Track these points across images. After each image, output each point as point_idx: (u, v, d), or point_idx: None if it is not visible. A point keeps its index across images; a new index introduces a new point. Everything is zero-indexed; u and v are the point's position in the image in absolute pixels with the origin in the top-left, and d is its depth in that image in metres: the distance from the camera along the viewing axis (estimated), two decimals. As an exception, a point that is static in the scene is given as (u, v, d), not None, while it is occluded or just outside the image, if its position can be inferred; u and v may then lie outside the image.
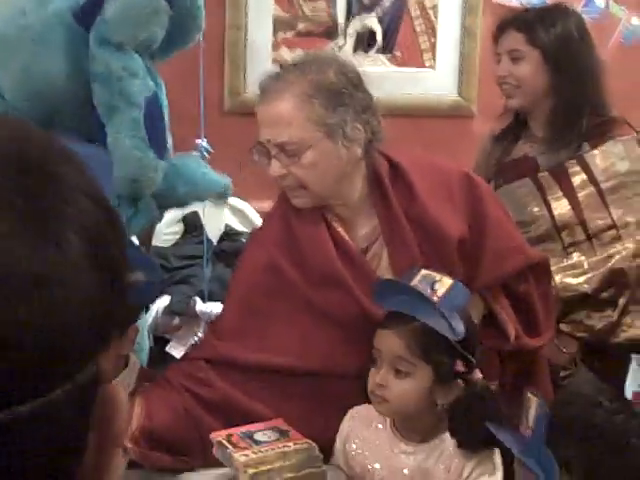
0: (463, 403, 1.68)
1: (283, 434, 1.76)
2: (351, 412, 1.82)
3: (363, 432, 1.79)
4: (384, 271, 1.91)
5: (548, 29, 2.40)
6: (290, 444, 1.72)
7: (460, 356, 1.69)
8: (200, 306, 3.10)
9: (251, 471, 1.65)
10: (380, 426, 1.78)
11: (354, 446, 1.79)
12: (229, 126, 3.41)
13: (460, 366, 1.69)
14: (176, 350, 3.11)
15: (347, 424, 1.81)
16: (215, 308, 3.06)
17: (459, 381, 1.70)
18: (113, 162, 2.13)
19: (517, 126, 2.56)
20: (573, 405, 1.80)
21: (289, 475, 1.67)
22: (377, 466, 1.75)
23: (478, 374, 1.74)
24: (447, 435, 1.71)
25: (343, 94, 1.81)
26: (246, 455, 1.67)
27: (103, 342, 0.62)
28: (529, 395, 1.62)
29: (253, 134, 3.59)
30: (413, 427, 1.75)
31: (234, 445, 1.71)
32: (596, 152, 2.42)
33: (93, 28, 2.05)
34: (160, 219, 2.41)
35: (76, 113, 2.15)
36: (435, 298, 1.67)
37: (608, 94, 2.49)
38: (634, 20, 3.49)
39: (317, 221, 1.90)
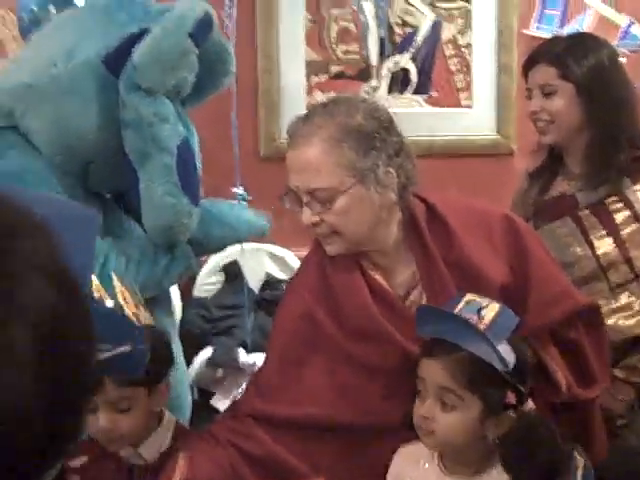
0: (514, 435, 1.60)
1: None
2: (400, 450, 1.75)
3: (413, 471, 1.71)
4: None
5: (580, 61, 2.32)
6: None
7: (510, 386, 1.60)
8: (243, 357, 3.03)
9: None
10: (427, 465, 1.70)
11: None
12: (266, 172, 3.36)
13: (511, 397, 1.61)
14: (221, 402, 3.04)
15: (397, 462, 1.74)
16: (258, 359, 3.00)
17: (510, 412, 1.62)
18: (146, 210, 2.10)
19: (553, 163, 2.47)
20: (629, 463, 1.70)
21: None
22: None
23: (530, 404, 1.66)
24: (499, 469, 1.62)
25: (374, 138, 1.75)
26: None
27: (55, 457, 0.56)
28: (575, 455, 1.55)
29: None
30: (462, 460, 1.67)
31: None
32: (638, 187, 2.33)
33: (122, 74, 2.03)
34: (199, 268, 2.36)
35: (108, 163, 2.13)
36: (482, 326, 1.60)
37: None
38: (673, 50, 3.43)
39: (352, 269, 1.84)
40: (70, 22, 2.18)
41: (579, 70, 2.31)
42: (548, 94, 2.34)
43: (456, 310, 1.62)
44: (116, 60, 2.05)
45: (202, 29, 2.06)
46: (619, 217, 2.32)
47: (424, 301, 1.83)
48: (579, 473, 1.52)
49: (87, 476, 1.84)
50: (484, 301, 1.63)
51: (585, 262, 2.30)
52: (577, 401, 1.88)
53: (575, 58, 2.32)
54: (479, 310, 1.61)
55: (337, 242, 1.80)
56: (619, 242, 2.30)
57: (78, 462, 1.84)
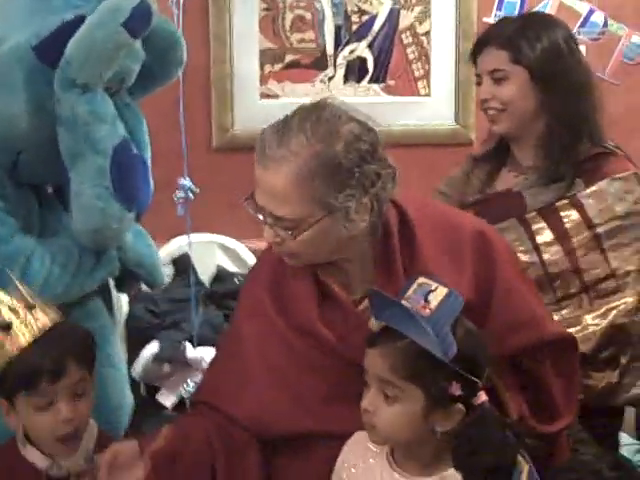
0: (463, 431, 1.53)
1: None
2: (352, 437, 1.68)
3: (358, 460, 1.65)
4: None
5: (533, 43, 2.16)
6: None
7: (456, 377, 1.51)
8: (190, 352, 2.97)
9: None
10: (375, 457, 1.63)
11: (346, 473, 1.65)
12: (218, 164, 3.32)
13: (456, 389, 1.52)
14: (167, 398, 2.99)
15: (345, 449, 1.68)
16: (206, 353, 2.94)
17: (459, 406, 1.53)
18: (75, 211, 2.03)
19: (500, 152, 2.34)
20: (573, 472, 1.63)
21: None
22: None
23: (483, 397, 1.56)
24: (452, 470, 1.55)
25: (351, 174, 1.62)
26: None
27: None
28: (520, 459, 1.49)
29: (243, 171, 3.49)
30: (411, 457, 1.59)
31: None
32: (590, 190, 2.17)
33: (58, 68, 1.95)
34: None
35: (40, 154, 2.06)
36: (427, 311, 1.52)
37: (604, 116, 2.25)
38: (634, 38, 3.36)
39: (306, 273, 1.77)
40: (3, 6, 2.11)
41: (532, 53, 2.16)
42: (499, 80, 2.19)
43: (407, 293, 1.55)
44: (48, 49, 1.97)
45: (139, 18, 1.96)
46: (569, 222, 2.17)
47: None
48: (523, 477, 1.45)
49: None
50: (433, 285, 1.55)
51: (531, 270, 2.13)
52: (533, 435, 1.75)
53: (527, 40, 2.16)
54: (427, 294, 1.54)
55: (295, 261, 1.73)
56: (569, 249, 2.16)
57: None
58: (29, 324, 1.71)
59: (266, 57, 3.35)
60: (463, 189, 2.35)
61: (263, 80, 3.36)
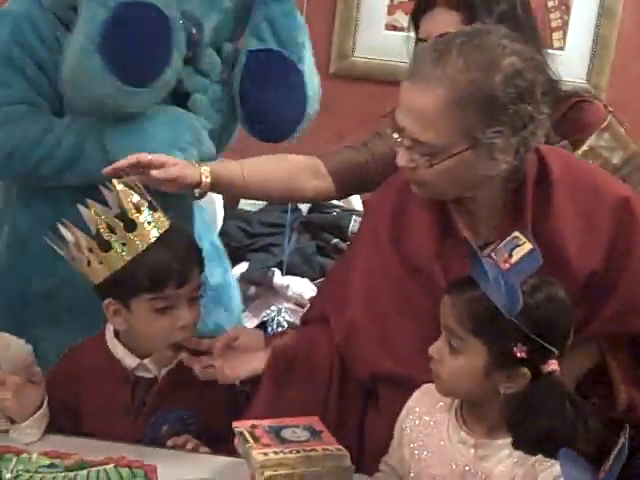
0: (522, 395, 1.46)
1: (315, 435, 1.56)
2: (421, 388, 1.64)
3: (425, 412, 1.60)
4: None
5: (491, 7, 1.88)
6: (319, 448, 1.52)
7: (524, 339, 1.43)
8: (278, 278, 2.93)
9: (267, 473, 1.46)
10: (444, 409, 1.58)
11: (409, 424, 1.60)
12: (333, 90, 3.22)
13: (521, 351, 1.44)
14: (249, 321, 2.96)
15: (416, 395, 1.64)
16: (293, 282, 2.90)
17: (524, 370, 1.46)
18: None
19: None
20: None
21: (310, 483, 1.48)
22: (425, 453, 1.56)
23: (553, 365, 1.47)
24: None
25: (505, 110, 1.52)
26: (265, 454, 1.48)
27: None
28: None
29: (357, 100, 3.41)
30: (478, 417, 1.54)
31: (256, 439, 1.52)
32: (583, 151, 1.95)
33: None
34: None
35: None
36: (506, 265, 1.45)
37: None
38: None
39: (433, 206, 1.69)
40: None
41: (488, 19, 1.86)
42: None
43: (500, 245, 1.49)
44: None
45: None
46: None
47: None
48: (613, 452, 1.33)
49: (89, 381, 1.78)
50: (522, 240, 1.48)
51: None
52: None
53: (485, 3, 1.88)
54: (513, 249, 1.47)
55: (425, 191, 1.65)
56: None
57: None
58: (157, 220, 1.69)
59: (398, -15, 3.23)
60: None
61: (391, 10, 3.24)
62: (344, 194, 2.11)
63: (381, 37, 3.22)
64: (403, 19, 3.21)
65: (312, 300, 2.01)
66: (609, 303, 1.64)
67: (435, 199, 1.68)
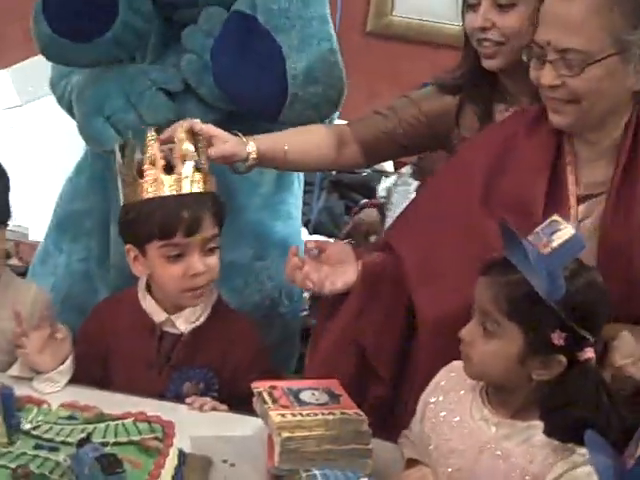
0: (559, 383, 1.43)
1: (333, 398, 1.56)
2: (448, 365, 1.61)
3: (450, 388, 1.58)
4: (589, 226, 1.68)
5: None
6: (337, 412, 1.52)
7: (563, 326, 1.41)
8: (304, 237, 2.91)
9: (285, 434, 1.46)
10: (470, 387, 1.56)
11: (434, 399, 1.59)
12: (368, 49, 3.19)
13: (559, 338, 1.41)
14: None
15: (442, 373, 1.62)
16: (320, 242, 2.88)
17: (560, 357, 1.43)
18: None
19: (481, 84, 1.96)
20: None
21: (327, 447, 1.48)
22: (446, 427, 1.54)
23: (589, 353, 1.45)
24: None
25: None
26: (283, 415, 1.49)
27: None
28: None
29: (392, 61, 3.35)
30: (503, 398, 1.51)
31: (275, 400, 1.53)
32: None
33: None
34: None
35: None
36: (547, 250, 1.41)
37: None
38: None
39: (548, 152, 1.69)
40: None
41: None
42: (503, 6, 1.83)
43: (537, 229, 1.45)
44: None
45: None
46: None
47: (597, 212, 1.68)
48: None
49: (117, 332, 1.81)
50: (563, 225, 1.44)
51: None
52: None
53: None
54: (553, 233, 1.43)
55: (569, 112, 1.63)
56: None
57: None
58: (196, 179, 1.71)
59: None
60: (448, 126, 2.02)
61: (435, -28, 3.17)
62: (373, 163, 2.11)
63: (420, -3, 3.17)
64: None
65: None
66: None
67: (554, 134, 1.67)
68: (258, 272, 2.15)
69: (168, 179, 1.69)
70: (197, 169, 1.72)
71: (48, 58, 2.04)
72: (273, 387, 1.56)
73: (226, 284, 1.95)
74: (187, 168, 1.70)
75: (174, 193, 1.69)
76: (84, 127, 2.01)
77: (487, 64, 1.90)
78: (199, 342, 1.78)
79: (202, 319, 1.78)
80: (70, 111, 2.11)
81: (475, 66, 1.94)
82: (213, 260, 1.74)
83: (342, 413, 1.52)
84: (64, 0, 1.93)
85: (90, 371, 1.77)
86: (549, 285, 1.39)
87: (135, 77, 1.99)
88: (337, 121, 3.00)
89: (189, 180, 1.70)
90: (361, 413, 1.53)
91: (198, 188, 1.71)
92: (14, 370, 1.74)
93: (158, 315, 1.78)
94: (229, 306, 1.88)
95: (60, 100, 2.17)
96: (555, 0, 1.59)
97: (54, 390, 1.70)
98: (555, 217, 1.46)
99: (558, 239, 1.42)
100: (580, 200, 1.69)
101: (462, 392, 1.56)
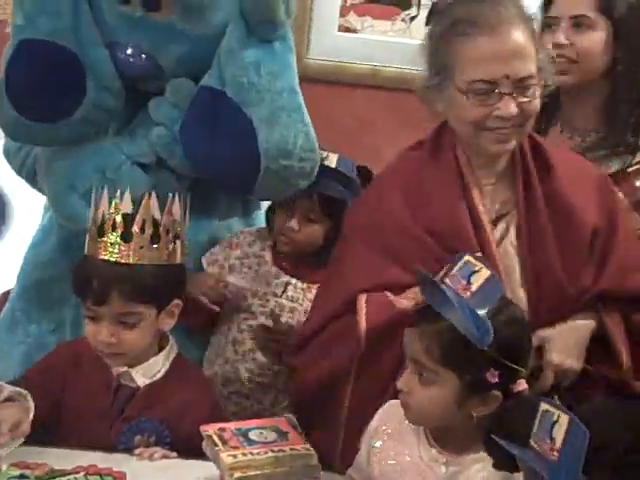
0: (497, 418, 1.47)
1: (281, 436, 1.61)
2: (387, 404, 1.66)
3: (393, 429, 1.62)
4: (508, 245, 1.80)
5: None
6: (286, 448, 1.57)
7: (495, 364, 1.47)
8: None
9: (237, 475, 1.50)
10: (413, 427, 1.60)
11: (379, 443, 1.62)
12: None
13: (493, 376, 1.47)
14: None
15: (379, 417, 1.65)
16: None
17: (496, 392, 1.49)
18: None
19: (547, 107, 2.14)
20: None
21: (279, 483, 1.52)
22: (397, 471, 1.58)
23: (522, 385, 1.53)
24: None
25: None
26: (234, 456, 1.52)
27: None
28: (548, 408, 1.29)
29: (313, 101, 3.41)
30: (449, 438, 1.56)
31: (224, 442, 1.56)
32: None
33: None
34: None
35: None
36: (467, 294, 1.47)
37: None
38: None
39: (454, 181, 1.81)
40: None
41: (622, 6, 2.03)
42: (580, 27, 2.05)
43: (453, 270, 1.50)
44: None
45: None
46: None
47: (512, 229, 1.79)
48: (560, 431, 1.27)
49: (74, 377, 1.81)
50: (478, 265, 1.50)
51: None
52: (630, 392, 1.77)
53: None
54: (470, 275, 1.49)
55: (517, 136, 1.78)
56: None
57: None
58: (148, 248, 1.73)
59: (350, -13, 3.24)
60: None
61: (343, 12, 3.24)
62: None
63: (334, 39, 3.24)
64: (356, 21, 3.24)
65: None
66: (607, 261, 1.78)
67: (454, 167, 1.80)
68: None
69: (116, 242, 1.70)
70: (155, 239, 1.72)
71: (14, 139, 2.02)
72: (222, 429, 1.59)
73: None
74: (140, 237, 1.71)
75: (112, 259, 1.70)
76: (57, 204, 1.99)
77: (560, 80, 2.02)
78: (155, 397, 1.79)
79: (160, 374, 1.79)
80: (32, 181, 2.09)
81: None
82: (128, 335, 1.73)
83: (291, 449, 1.56)
84: (29, 80, 1.89)
85: (40, 411, 1.72)
86: (478, 331, 1.43)
87: (109, 152, 1.97)
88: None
89: (136, 249, 1.71)
90: (310, 448, 1.57)
91: (145, 259, 1.72)
92: None
93: (115, 368, 1.79)
94: (187, 361, 1.90)
95: (19, 170, 2.14)
96: (495, 37, 1.70)
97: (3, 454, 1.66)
98: (467, 257, 1.51)
99: (476, 282, 1.47)
100: (494, 221, 1.80)
101: (406, 433, 1.59)
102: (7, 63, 1.88)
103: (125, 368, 1.78)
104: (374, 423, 1.64)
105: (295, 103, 1.95)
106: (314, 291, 2.08)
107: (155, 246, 1.71)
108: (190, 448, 1.72)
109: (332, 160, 2.10)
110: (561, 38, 2.07)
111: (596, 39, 2.05)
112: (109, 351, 1.74)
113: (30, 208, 2.45)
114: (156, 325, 1.76)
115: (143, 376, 1.78)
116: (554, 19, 2.10)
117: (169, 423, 1.78)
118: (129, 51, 1.94)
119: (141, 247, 1.70)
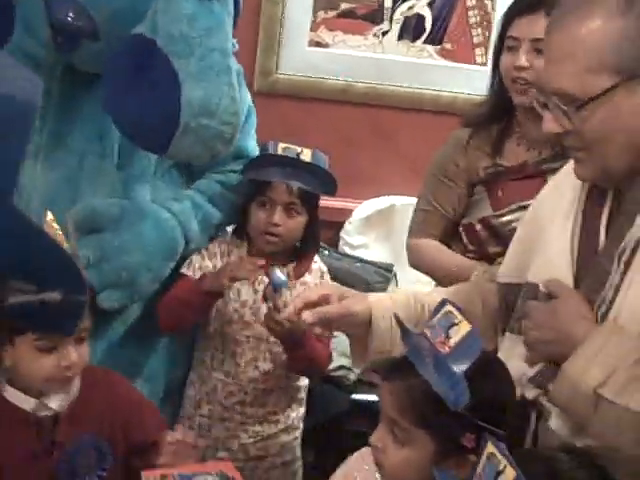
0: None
1: (227, 482, 1.55)
2: (362, 450, 1.56)
3: (364, 474, 1.53)
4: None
5: None
6: (232, 495, 1.51)
7: (471, 427, 1.33)
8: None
9: (179, 525, 1.44)
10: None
11: None
12: (257, 107, 3.20)
13: (469, 441, 1.34)
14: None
15: (351, 465, 1.57)
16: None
17: (473, 457, 1.32)
18: None
19: (502, 120, 2.22)
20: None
21: (218, 533, 1.46)
22: None
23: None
24: None
25: None
26: (173, 505, 1.46)
27: None
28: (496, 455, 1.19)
29: (282, 117, 3.38)
30: None
31: (166, 490, 1.50)
32: None
33: None
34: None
35: None
36: (446, 349, 1.34)
37: None
38: None
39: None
40: None
41: None
42: (540, 51, 2.00)
43: (434, 320, 1.39)
44: None
45: None
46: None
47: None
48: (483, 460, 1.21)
49: None
50: (458, 318, 1.37)
51: None
52: None
53: None
54: (449, 327, 1.36)
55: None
56: None
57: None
58: None
59: (320, 2, 3.19)
60: (468, 165, 2.24)
61: (314, 27, 3.21)
62: None
63: (304, 54, 3.20)
64: (327, 36, 3.20)
65: None
66: None
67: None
68: None
69: None
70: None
71: None
72: (164, 476, 1.54)
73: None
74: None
75: None
76: None
77: (518, 100, 2.14)
78: (80, 413, 1.72)
79: (75, 390, 1.74)
80: None
81: (501, 101, 2.20)
82: (84, 349, 1.71)
83: (238, 496, 1.51)
84: None
85: None
86: (453, 393, 1.32)
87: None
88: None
89: None
90: None
91: None
92: None
93: (27, 403, 1.70)
94: (94, 366, 1.83)
95: None
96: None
97: None
98: (448, 306, 1.40)
99: (455, 336, 1.35)
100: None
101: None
102: None
103: (35, 400, 1.70)
104: (344, 469, 1.57)
105: (225, 64, 1.84)
106: (299, 285, 2.17)
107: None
108: (135, 449, 1.72)
109: (307, 155, 2.18)
110: (522, 60, 2.11)
111: None
112: (75, 372, 1.71)
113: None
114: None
115: (58, 399, 1.71)
116: (515, 40, 2.13)
117: (105, 434, 1.73)
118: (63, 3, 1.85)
119: None
